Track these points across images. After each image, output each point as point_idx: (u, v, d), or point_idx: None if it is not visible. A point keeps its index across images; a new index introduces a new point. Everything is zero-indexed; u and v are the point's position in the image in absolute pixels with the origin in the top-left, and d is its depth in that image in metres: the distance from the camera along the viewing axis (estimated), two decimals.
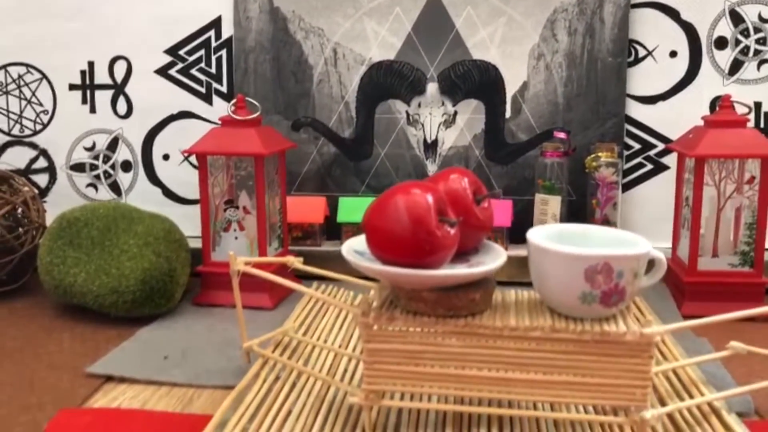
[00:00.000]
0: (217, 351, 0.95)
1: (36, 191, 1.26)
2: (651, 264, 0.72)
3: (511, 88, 1.30)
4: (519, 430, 0.72)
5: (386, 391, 0.72)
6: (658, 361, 0.86)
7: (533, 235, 0.72)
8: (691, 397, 0.78)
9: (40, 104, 1.40)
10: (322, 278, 0.93)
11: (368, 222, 0.69)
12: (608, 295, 0.67)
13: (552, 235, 0.73)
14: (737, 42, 1.25)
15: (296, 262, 0.92)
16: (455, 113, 1.32)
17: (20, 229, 1.20)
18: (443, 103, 1.32)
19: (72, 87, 1.39)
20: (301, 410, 0.76)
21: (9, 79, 1.39)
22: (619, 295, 0.67)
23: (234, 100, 1.15)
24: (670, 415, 0.73)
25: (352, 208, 1.28)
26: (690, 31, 1.26)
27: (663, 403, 0.77)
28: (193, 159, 1.36)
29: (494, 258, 0.73)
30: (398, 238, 0.67)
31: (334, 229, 1.30)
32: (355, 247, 0.74)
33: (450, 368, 0.70)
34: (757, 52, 1.25)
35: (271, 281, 0.84)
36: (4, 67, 1.39)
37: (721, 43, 1.26)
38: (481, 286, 0.71)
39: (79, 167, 1.41)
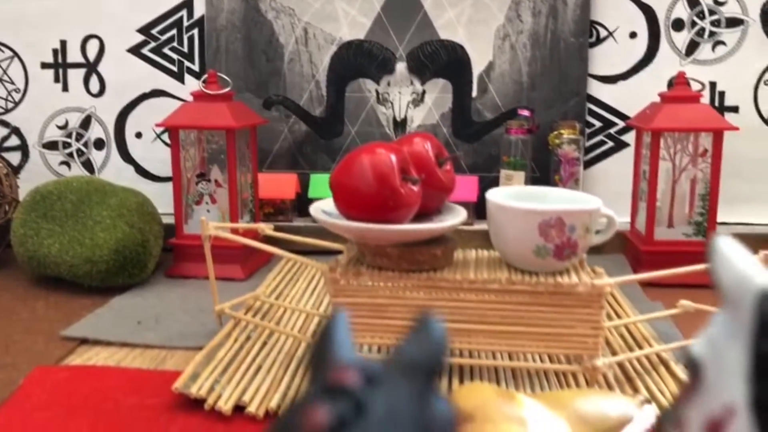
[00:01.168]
0: (189, 316, 0.97)
1: (9, 167, 1.27)
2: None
3: (477, 68, 1.34)
4: (479, 379, 0.76)
5: (354, 343, 0.75)
6: (613, 318, 0.90)
7: (492, 194, 0.76)
8: (642, 350, 0.82)
9: (12, 82, 1.40)
10: (292, 251, 0.96)
11: (335, 180, 0.72)
12: (561, 249, 0.71)
13: (511, 195, 0.76)
14: (693, 24, 1.30)
15: (267, 229, 0.94)
16: (423, 92, 1.35)
17: None
18: (412, 83, 1.35)
19: (44, 65, 1.40)
20: (271, 365, 0.79)
21: None
22: (572, 248, 0.71)
23: (205, 76, 1.17)
24: (621, 365, 0.78)
25: (323, 184, 1.30)
26: (649, 13, 1.30)
27: (616, 356, 0.82)
28: (165, 137, 1.38)
29: (455, 217, 0.77)
30: (364, 195, 0.70)
31: (306, 206, 1.32)
32: (323, 208, 0.77)
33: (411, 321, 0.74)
34: (712, 34, 1.30)
35: (242, 253, 0.87)
36: None
37: (678, 24, 1.30)
38: (442, 243, 0.75)
39: (51, 145, 1.42)
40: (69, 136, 1.42)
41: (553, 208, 0.71)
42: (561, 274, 0.73)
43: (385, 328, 0.74)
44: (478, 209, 1.29)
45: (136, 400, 0.73)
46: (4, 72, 1.40)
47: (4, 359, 0.84)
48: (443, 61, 1.34)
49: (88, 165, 1.42)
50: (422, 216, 0.77)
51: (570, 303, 0.72)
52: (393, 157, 0.70)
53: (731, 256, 0.21)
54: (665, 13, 1.30)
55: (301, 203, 1.33)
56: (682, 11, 1.30)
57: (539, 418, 0.51)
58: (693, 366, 0.22)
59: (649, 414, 0.57)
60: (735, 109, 1.30)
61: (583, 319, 0.72)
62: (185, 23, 1.37)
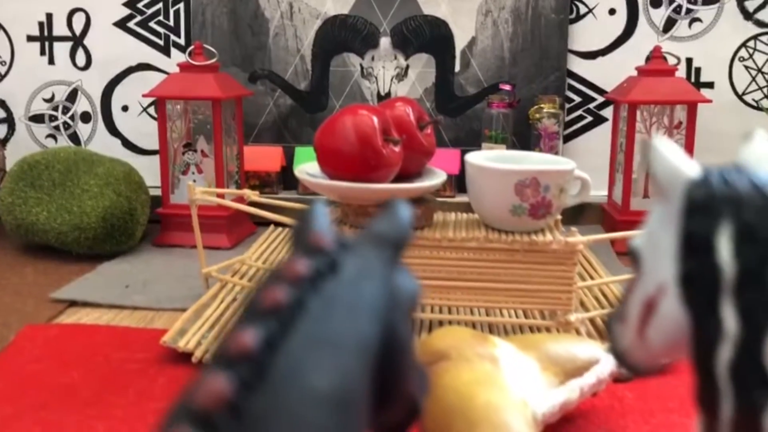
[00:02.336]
0: (176, 281, 0.99)
1: None
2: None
3: (460, 43, 1.36)
4: None
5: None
6: (587, 280, 0.93)
7: (471, 156, 0.78)
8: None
9: None
10: (277, 224, 0.98)
11: (319, 141, 0.74)
12: (536, 208, 0.74)
13: (489, 158, 0.79)
14: (671, 1, 1.33)
15: (252, 195, 0.96)
16: (407, 67, 1.37)
17: None
18: (396, 57, 1.37)
19: (30, 38, 1.41)
20: None
21: None
22: (546, 208, 0.74)
23: (192, 47, 1.19)
24: (593, 321, 0.81)
25: (308, 157, 1.32)
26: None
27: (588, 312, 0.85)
28: (152, 110, 1.39)
29: (435, 179, 0.79)
30: (346, 155, 0.72)
31: (291, 178, 1.35)
32: (307, 170, 0.79)
33: None
34: (688, 11, 1.33)
35: (228, 222, 0.89)
36: None
37: (656, 1, 1.33)
38: (422, 203, 0.77)
39: (38, 118, 1.43)
40: (55, 109, 1.43)
41: (528, 168, 0.73)
42: (536, 234, 0.76)
43: None
44: (460, 182, 1.31)
45: (125, 355, 0.75)
46: None
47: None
48: (427, 36, 1.36)
49: (74, 138, 1.43)
50: (404, 178, 0.79)
51: (544, 260, 0.75)
52: (375, 119, 0.72)
53: (665, 152, 0.23)
54: None
55: (287, 176, 1.35)
56: None
57: (511, 358, 0.54)
58: (633, 256, 0.25)
59: None
60: (710, 85, 1.34)
61: (556, 276, 0.75)
62: None
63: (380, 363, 0.24)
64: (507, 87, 1.31)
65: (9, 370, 0.72)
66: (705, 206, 0.22)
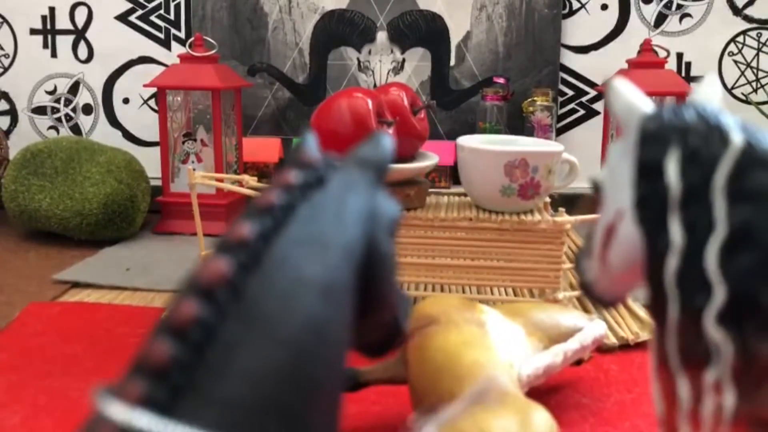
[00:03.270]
0: (176, 265, 1.02)
1: (0, 130, 1.31)
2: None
3: (455, 38, 1.39)
4: None
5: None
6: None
7: (462, 139, 0.81)
8: None
9: (1, 48, 1.43)
10: None
11: (315, 122, 0.77)
12: (525, 188, 0.76)
13: (481, 141, 0.82)
14: None
15: (251, 180, 0.99)
16: (403, 60, 1.40)
17: None
18: (392, 51, 1.40)
19: (33, 32, 1.43)
20: None
21: None
22: (535, 188, 0.77)
23: (192, 39, 1.21)
24: (581, 300, 0.83)
25: None
26: None
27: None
28: (152, 103, 1.42)
29: (427, 161, 0.82)
30: (341, 136, 0.75)
31: None
32: None
33: None
34: (679, 7, 1.36)
35: (227, 210, 0.91)
36: None
37: None
38: (415, 185, 0.80)
39: (40, 110, 1.45)
40: (57, 101, 1.45)
41: (517, 149, 0.76)
42: (525, 214, 0.78)
43: None
44: (455, 174, 1.34)
45: (126, 330, 0.78)
46: None
47: (1, 298, 0.88)
48: (422, 30, 1.39)
49: (76, 129, 1.45)
50: (398, 161, 0.82)
51: (533, 239, 0.77)
52: (369, 101, 0.75)
53: (623, 91, 0.26)
54: None
55: None
56: None
57: (498, 323, 0.57)
58: (596, 189, 0.28)
59: (599, 327, 0.62)
60: (700, 79, 1.36)
61: (545, 255, 0.77)
62: None
63: (363, 270, 0.27)
64: (501, 80, 1.34)
65: (14, 343, 0.74)
66: (656, 135, 0.24)
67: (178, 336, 0.21)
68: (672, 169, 0.23)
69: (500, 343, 0.54)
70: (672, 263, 0.23)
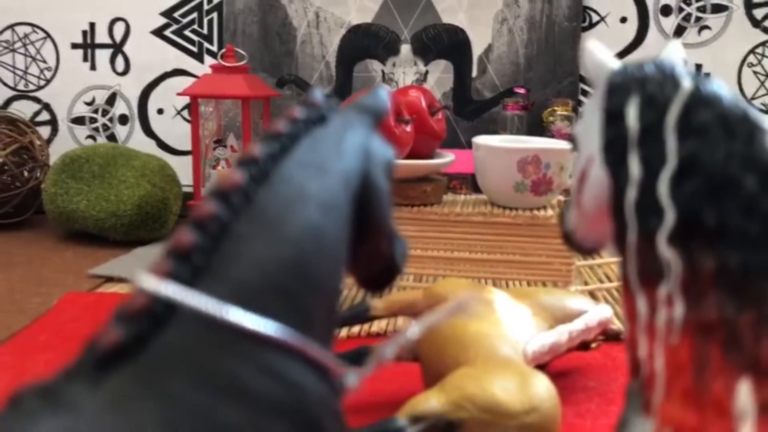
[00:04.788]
0: None
1: (41, 135, 1.37)
2: None
3: (477, 50, 1.43)
4: None
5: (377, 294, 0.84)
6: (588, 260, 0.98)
7: (479, 138, 0.84)
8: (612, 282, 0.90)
9: (44, 61, 1.51)
10: None
11: None
12: (538, 184, 0.79)
13: (496, 141, 0.85)
14: (681, 9, 1.38)
15: None
16: (426, 72, 1.44)
17: (26, 167, 1.31)
18: (416, 63, 1.44)
19: (74, 46, 1.50)
20: None
21: (15, 38, 1.51)
22: (547, 184, 0.80)
23: (223, 50, 1.27)
24: (592, 294, 0.85)
25: None
26: (638, 4, 1.39)
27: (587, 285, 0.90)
28: (185, 113, 1.48)
29: (443, 159, 0.85)
30: None
31: None
32: None
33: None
34: (698, 19, 1.38)
35: None
36: (11, 26, 1.50)
37: (666, 10, 1.39)
38: (432, 182, 0.83)
39: (79, 120, 1.52)
40: (95, 111, 1.52)
41: (530, 146, 0.79)
42: (538, 210, 0.81)
43: None
44: (476, 182, 1.37)
45: None
46: (38, 51, 1.51)
47: (39, 289, 0.93)
48: (445, 43, 1.43)
49: (112, 139, 1.52)
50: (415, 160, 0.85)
51: (545, 234, 0.80)
52: None
53: (595, 51, 0.29)
54: (653, 0, 1.39)
55: None
56: None
57: (505, 303, 0.60)
58: (573, 141, 0.31)
59: (605, 310, 0.65)
60: None
61: (557, 249, 0.80)
62: (205, 7, 1.47)
63: (358, 199, 0.30)
64: (521, 90, 1.37)
65: (51, 327, 0.79)
66: (620, 86, 0.27)
67: (200, 228, 0.25)
68: (632, 113, 0.26)
69: (507, 320, 0.57)
70: (631, 194, 0.26)
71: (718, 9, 1.37)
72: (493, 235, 0.80)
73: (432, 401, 0.45)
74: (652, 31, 1.39)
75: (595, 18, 1.40)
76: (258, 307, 0.24)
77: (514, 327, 0.57)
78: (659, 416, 0.25)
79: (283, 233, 0.26)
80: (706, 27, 1.38)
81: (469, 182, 1.37)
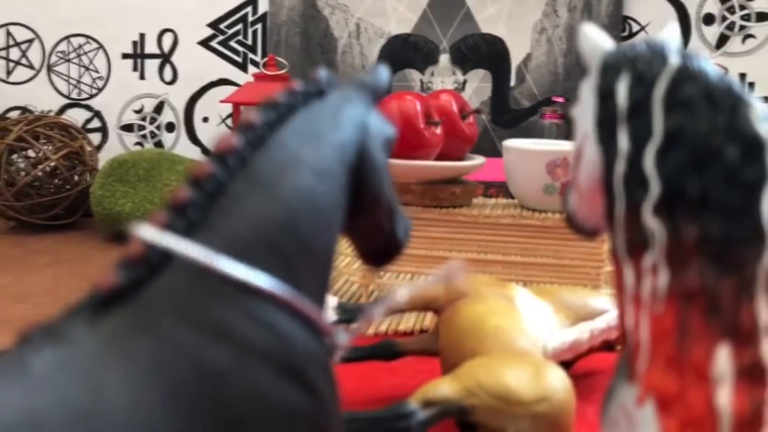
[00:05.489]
0: None
1: (91, 141, 1.43)
2: None
3: (515, 59, 1.43)
4: None
5: (381, 271, 0.85)
6: None
7: (508, 141, 0.85)
8: None
9: (96, 71, 1.57)
10: None
11: None
12: (567, 187, 0.80)
13: (526, 143, 0.86)
14: (724, 18, 1.37)
15: None
16: (465, 81, 1.45)
17: (76, 170, 1.37)
18: (454, 73, 1.45)
19: (125, 56, 1.56)
20: None
21: (71, 48, 1.57)
22: None
23: (266, 59, 1.30)
24: None
25: None
26: (680, 8, 1.38)
27: None
28: (230, 121, 1.52)
29: (474, 161, 0.86)
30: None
31: None
32: None
33: (435, 251, 0.83)
34: (742, 28, 1.36)
35: None
36: (67, 38, 1.57)
37: (709, 19, 1.37)
38: (461, 184, 0.84)
39: (128, 127, 1.58)
40: (144, 119, 1.57)
41: (560, 149, 0.79)
42: None
43: (407, 258, 0.84)
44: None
45: None
46: (91, 62, 1.57)
47: (83, 285, 0.97)
48: (484, 52, 1.44)
49: (159, 146, 1.57)
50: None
51: (575, 237, 0.80)
52: (418, 103, 0.80)
53: (590, 33, 0.30)
54: (696, 8, 1.37)
55: None
56: (713, 6, 1.37)
57: (526, 299, 0.60)
58: (570, 122, 0.31)
59: None
60: (765, 99, 1.35)
61: (586, 253, 0.80)
62: (250, 19, 1.52)
63: (355, 171, 0.32)
64: (560, 99, 1.37)
65: None
66: (612, 65, 0.28)
67: (197, 186, 0.27)
68: (621, 90, 0.27)
69: (527, 316, 0.58)
70: (619, 168, 0.27)
71: (762, 17, 1.35)
72: (523, 237, 0.80)
73: (444, 387, 0.46)
74: (694, 40, 1.38)
75: (635, 27, 1.40)
76: (249, 260, 0.26)
77: (534, 323, 0.57)
78: (642, 382, 0.26)
79: (276, 194, 0.27)
80: (751, 36, 1.36)
81: (506, 191, 1.37)
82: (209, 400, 0.24)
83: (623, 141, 0.27)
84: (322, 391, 0.27)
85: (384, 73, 0.35)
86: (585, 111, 0.29)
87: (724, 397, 0.23)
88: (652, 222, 0.25)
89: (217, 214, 0.27)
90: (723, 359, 0.24)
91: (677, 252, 0.25)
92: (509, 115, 1.44)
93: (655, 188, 0.25)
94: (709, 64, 0.26)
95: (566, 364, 0.60)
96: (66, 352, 0.23)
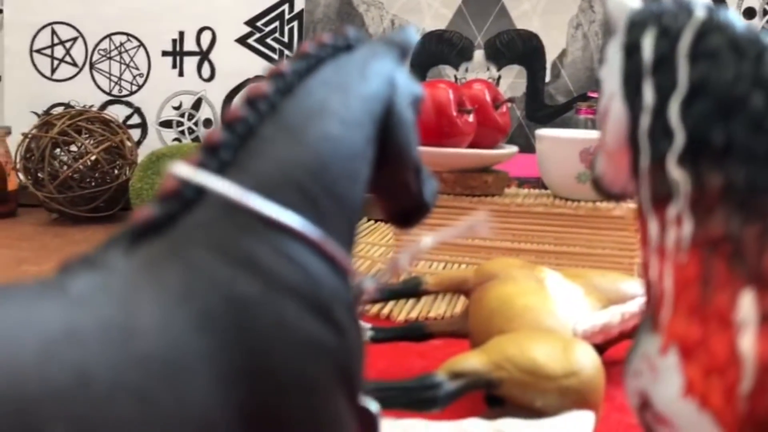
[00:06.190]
0: None
1: (131, 136, 1.46)
2: None
3: (551, 55, 1.43)
4: None
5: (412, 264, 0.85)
6: None
7: (541, 130, 0.85)
8: None
9: (137, 68, 1.61)
10: None
11: None
12: None
13: (558, 132, 0.85)
14: (765, 12, 1.34)
15: None
16: (499, 77, 1.45)
17: (116, 164, 1.40)
18: (488, 69, 1.45)
19: (164, 53, 1.60)
20: None
21: (112, 46, 1.61)
22: None
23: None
24: None
25: None
26: (719, 1, 1.35)
27: None
28: None
29: (506, 150, 0.86)
30: (423, 123, 0.80)
31: None
32: None
33: (467, 240, 0.83)
34: None
35: None
36: (109, 36, 1.61)
37: (749, 13, 1.35)
38: (493, 172, 0.84)
39: (167, 124, 1.61)
40: (182, 116, 1.60)
41: (593, 136, 0.79)
42: (601, 201, 0.81)
43: (440, 247, 0.84)
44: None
45: None
46: (131, 59, 1.61)
47: None
48: (519, 48, 1.44)
49: (196, 141, 1.59)
50: None
51: (607, 226, 0.80)
52: (450, 91, 0.81)
53: None
54: (737, 1, 1.35)
55: None
56: (755, 0, 1.34)
57: (557, 282, 0.60)
58: (598, 84, 0.32)
59: None
60: None
61: (619, 242, 0.79)
62: (286, 16, 1.54)
63: (381, 125, 0.32)
64: (596, 95, 1.36)
65: None
66: (639, 22, 0.28)
67: (229, 128, 0.28)
68: (647, 45, 0.27)
69: (557, 298, 0.57)
70: (644, 121, 0.27)
71: None
72: (555, 226, 0.80)
73: (472, 360, 0.46)
74: None
75: None
76: (277, 200, 0.27)
77: (564, 304, 0.57)
78: (666, 332, 0.26)
79: (303, 139, 0.28)
80: None
81: (541, 187, 1.36)
82: (237, 328, 0.24)
83: (648, 94, 0.27)
84: (347, 330, 0.28)
85: (412, 32, 0.36)
86: (611, 70, 0.30)
87: (748, 343, 0.23)
88: (676, 173, 0.25)
89: (247, 155, 0.28)
90: (746, 305, 0.23)
91: (701, 201, 0.25)
92: (544, 111, 1.43)
93: (679, 139, 0.25)
94: (735, 15, 0.26)
95: (598, 351, 0.60)
96: (102, 277, 0.25)
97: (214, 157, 0.28)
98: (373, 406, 0.31)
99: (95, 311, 0.23)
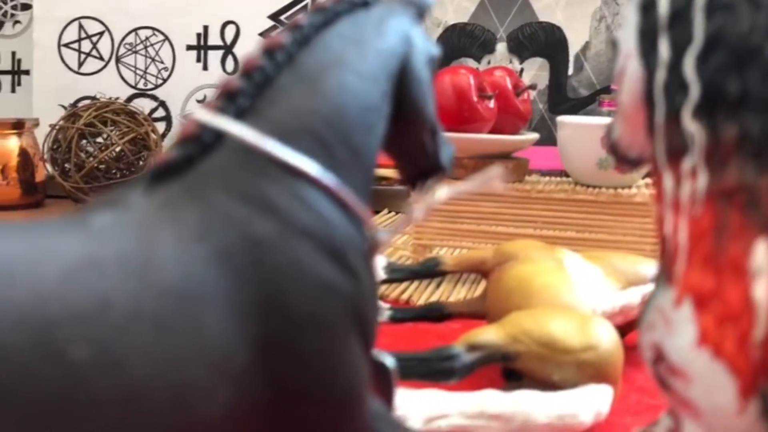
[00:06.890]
0: None
1: (156, 128, 1.48)
2: None
3: (574, 48, 1.42)
4: None
5: (431, 245, 0.86)
6: None
7: (562, 117, 0.85)
8: None
9: (162, 62, 1.63)
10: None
11: None
12: None
13: (579, 118, 0.85)
14: None
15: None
16: (522, 70, 1.45)
17: (141, 155, 1.42)
18: (511, 61, 1.45)
19: (189, 47, 1.61)
20: None
21: (138, 41, 1.63)
22: None
23: None
24: None
25: None
26: None
27: None
28: None
29: (525, 137, 0.86)
30: (444, 108, 0.80)
31: None
32: None
33: (485, 226, 0.83)
34: None
35: None
36: (135, 30, 1.63)
37: None
38: (514, 159, 0.84)
39: None
40: None
41: None
42: (622, 188, 0.80)
43: (457, 233, 0.84)
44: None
45: None
46: (156, 53, 1.63)
47: None
48: (542, 41, 1.43)
49: None
50: None
51: (629, 212, 0.79)
52: (471, 77, 0.81)
53: None
54: None
55: None
56: None
57: (576, 263, 0.60)
58: (614, 45, 0.32)
59: None
60: None
61: (640, 228, 0.79)
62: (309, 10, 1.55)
63: (396, 81, 0.33)
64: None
65: None
66: None
67: (247, 76, 0.29)
68: (663, 1, 0.27)
69: (576, 278, 0.57)
70: (660, 76, 0.27)
71: None
72: (576, 213, 0.80)
73: (489, 333, 0.46)
74: None
75: None
76: (294, 146, 0.28)
77: (583, 284, 0.57)
78: (680, 284, 0.26)
79: (320, 89, 0.29)
80: None
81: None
82: (253, 265, 0.25)
83: (664, 50, 0.27)
84: (361, 277, 0.28)
85: None
86: (627, 30, 0.30)
87: (761, 290, 0.23)
88: (691, 125, 0.25)
89: (264, 103, 0.29)
90: (761, 254, 0.23)
91: (716, 153, 0.25)
92: (567, 104, 1.42)
93: (694, 91, 0.25)
94: None
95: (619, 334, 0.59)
96: (122, 214, 0.25)
97: (232, 103, 0.29)
98: (388, 360, 0.32)
99: (115, 244, 0.24)
